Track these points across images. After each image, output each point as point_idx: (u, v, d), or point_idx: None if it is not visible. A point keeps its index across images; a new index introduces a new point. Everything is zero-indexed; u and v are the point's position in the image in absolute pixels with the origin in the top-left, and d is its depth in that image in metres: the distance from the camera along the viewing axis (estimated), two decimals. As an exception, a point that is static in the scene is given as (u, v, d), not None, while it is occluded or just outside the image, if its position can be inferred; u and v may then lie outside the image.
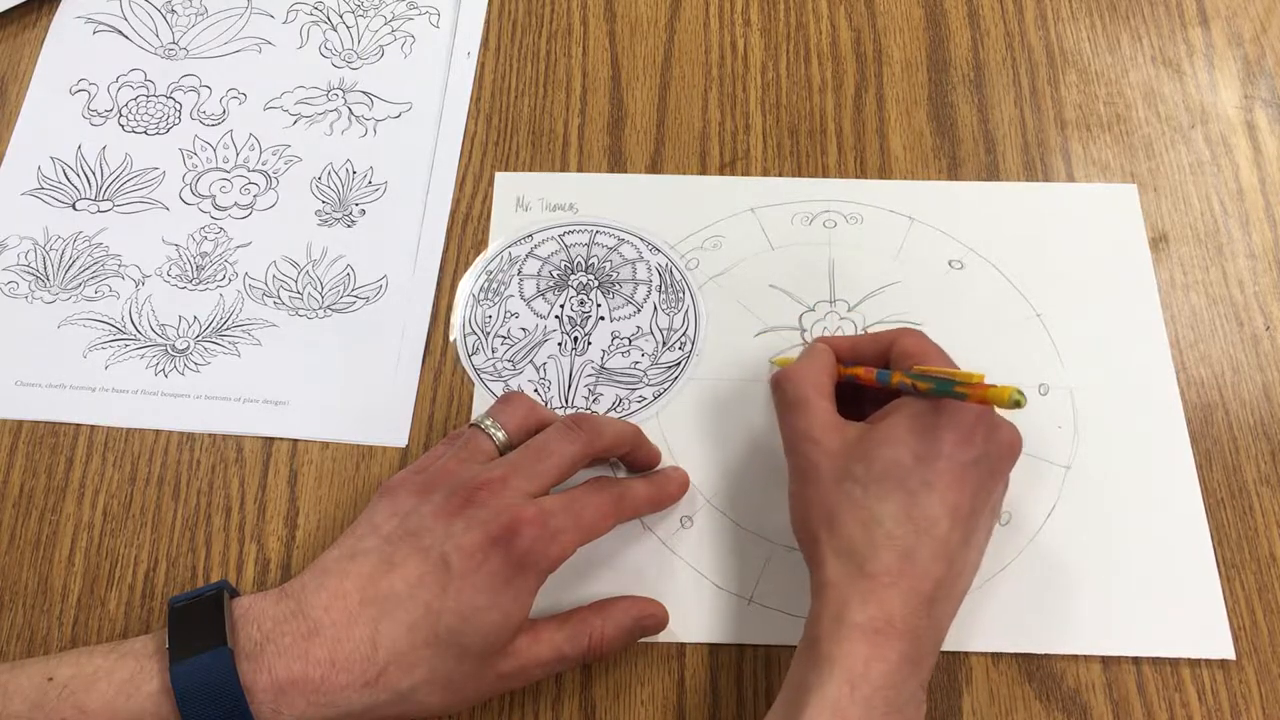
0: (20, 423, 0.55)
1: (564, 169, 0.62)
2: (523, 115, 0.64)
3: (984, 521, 0.46)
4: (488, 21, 0.67)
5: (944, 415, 0.44)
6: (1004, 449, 0.46)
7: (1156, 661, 0.49)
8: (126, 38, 0.67)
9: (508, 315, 0.58)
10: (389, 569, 0.43)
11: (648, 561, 0.51)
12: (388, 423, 0.55)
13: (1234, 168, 0.61)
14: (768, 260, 0.59)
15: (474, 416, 0.53)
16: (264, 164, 0.62)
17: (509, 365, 0.56)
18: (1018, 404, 0.42)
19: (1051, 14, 0.66)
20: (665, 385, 0.56)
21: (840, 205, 0.60)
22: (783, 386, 0.49)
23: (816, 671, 0.41)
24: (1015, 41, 0.65)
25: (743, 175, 0.61)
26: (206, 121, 0.64)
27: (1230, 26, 0.66)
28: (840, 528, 0.44)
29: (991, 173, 0.61)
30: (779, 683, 0.49)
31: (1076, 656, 0.49)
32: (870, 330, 0.56)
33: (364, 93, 0.65)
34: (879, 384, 0.48)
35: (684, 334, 0.57)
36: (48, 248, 0.60)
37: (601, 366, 0.56)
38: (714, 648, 0.50)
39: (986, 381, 0.43)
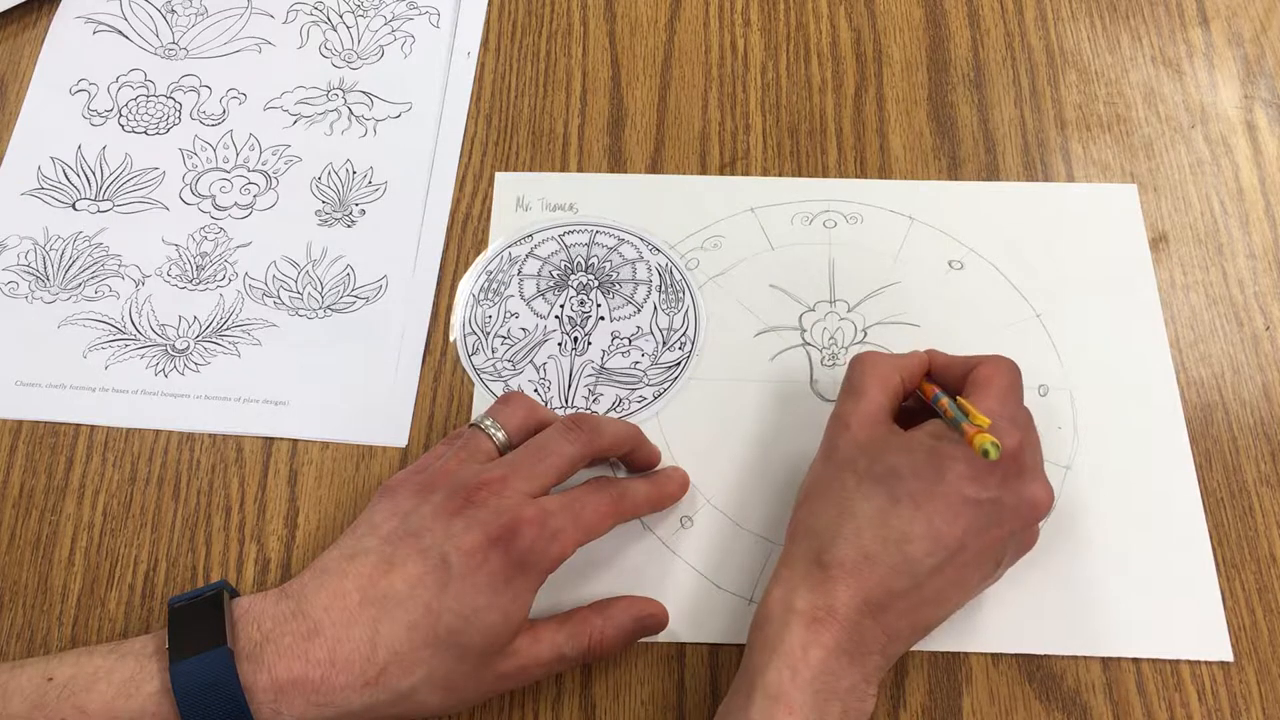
0: (20, 423, 0.55)
1: (564, 169, 0.62)
2: (523, 115, 0.64)
3: (973, 560, 0.44)
4: (488, 21, 0.67)
5: (965, 446, 0.44)
6: (1022, 502, 0.45)
7: (1156, 662, 0.49)
8: (126, 38, 0.67)
9: (508, 315, 0.58)
10: (389, 569, 0.43)
11: (648, 561, 0.51)
12: (388, 423, 0.55)
13: (1234, 168, 0.61)
14: (768, 260, 0.59)
15: (474, 416, 0.53)
16: (264, 164, 0.62)
17: (509, 365, 0.56)
18: (986, 454, 0.41)
19: (1051, 14, 0.66)
20: (665, 385, 0.56)
21: (840, 205, 0.60)
22: (853, 367, 0.49)
23: (760, 657, 0.42)
24: (1015, 41, 0.65)
25: (743, 175, 0.61)
26: (206, 121, 0.64)
27: (1230, 26, 0.66)
28: (819, 507, 0.45)
29: (991, 173, 0.61)
30: (779, 683, 0.49)
31: (1076, 656, 0.49)
32: (870, 330, 0.57)
33: (364, 93, 0.65)
34: (930, 401, 0.48)
35: (684, 334, 0.57)
36: (48, 248, 0.60)
37: (601, 366, 0.56)
38: (714, 648, 0.50)
39: (986, 429, 0.42)
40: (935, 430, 0.45)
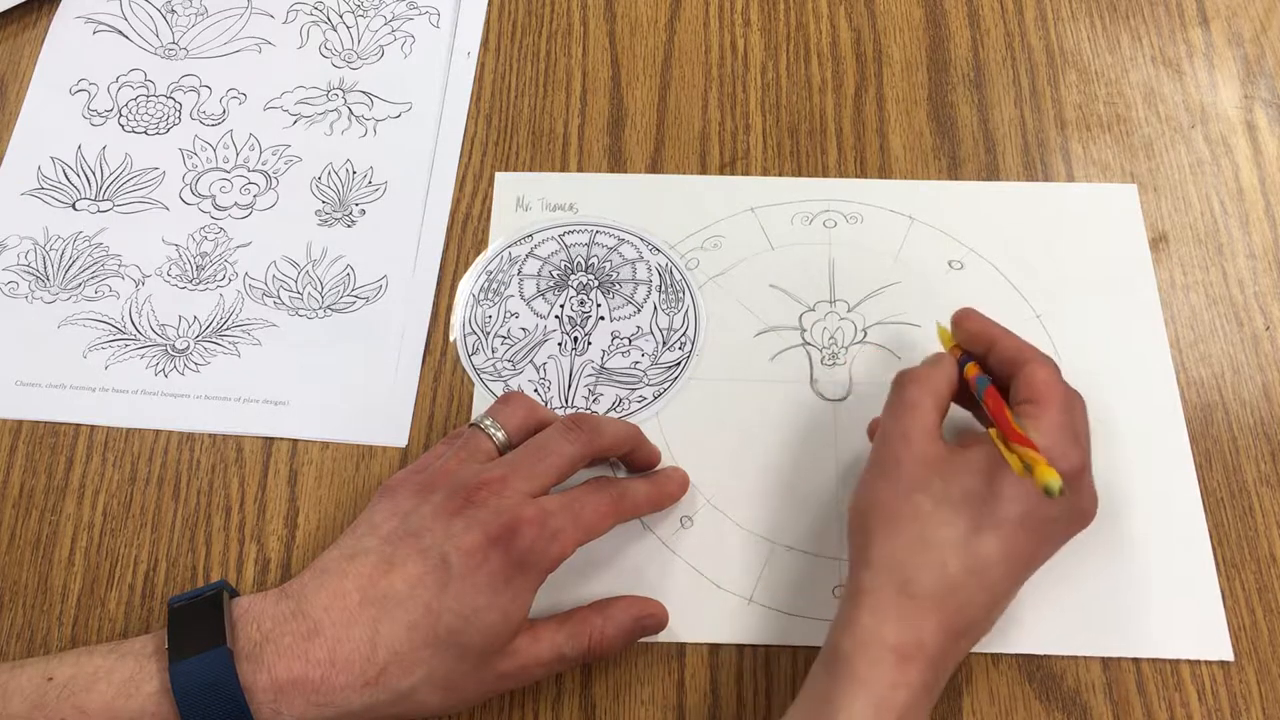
0: (20, 423, 0.55)
1: (564, 169, 0.62)
2: (523, 115, 0.64)
3: (1034, 570, 0.45)
4: (488, 21, 0.67)
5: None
6: (1078, 518, 0.45)
7: (1156, 661, 0.49)
8: (126, 38, 0.67)
9: (508, 315, 0.58)
10: (389, 569, 0.43)
11: (648, 561, 0.51)
12: (388, 423, 0.55)
13: (1234, 168, 0.61)
14: (768, 260, 0.59)
15: (474, 416, 0.53)
16: (264, 164, 0.62)
17: (509, 365, 0.56)
18: (1049, 491, 0.40)
19: (1051, 14, 0.66)
20: (665, 385, 0.56)
21: (840, 205, 0.60)
22: (905, 387, 0.47)
23: (844, 690, 0.40)
24: (1015, 41, 0.65)
25: (743, 175, 0.61)
26: (206, 121, 0.64)
27: (1230, 26, 0.66)
28: (897, 535, 0.43)
29: (991, 173, 0.61)
30: (779, 683, 0.49)
31: (1076, 656, 0.49)
32: (870, 330, 0.56)
33: (364, 93, 0.65)
34: (976, 392, 0.47)
35: (684, 334, 0.57)
36: (48, 248, 0.60)
37: (601, 366, 0.56)
38: (714, 648, 0.50)
39: (1043, 463, 0.41)
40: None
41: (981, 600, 0.43)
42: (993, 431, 0.44)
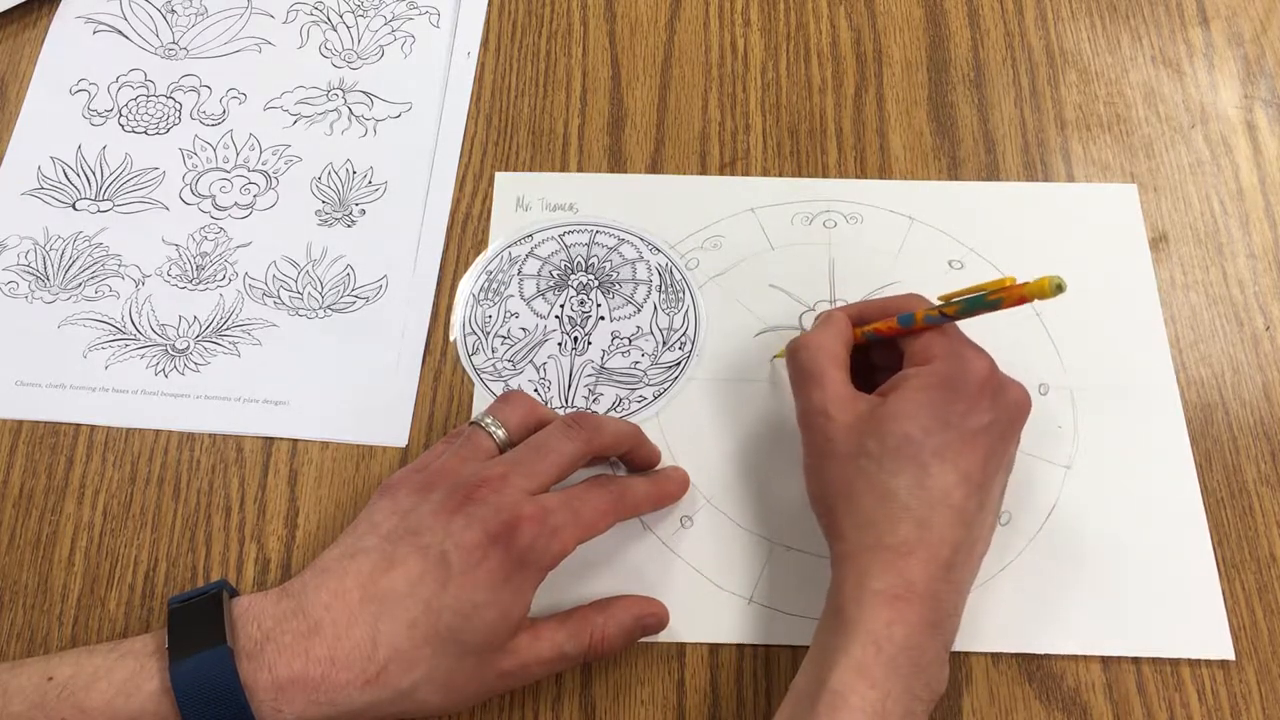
0: (20, 423, 0.55)
1: (564, 169, 0.62)
2: (523, 115, 0.64)
3: (999, 481, 0.46)
4: (488, 21, 0.67)
5: (951, 386, 0.45)
6: (1014, 410, 0.46)
7: (1156, 661, 0.49)
8: (126, 38, 0.67)
9: (508, 315, 0.58)
10: (389, 567, 0.43)
11: (648, 561, 0.51)
12: (388, 423, 0.55)
13: (1234, 168, 0.61)
14: (768, 260, 0.59)
15: (474, 415, 0.53)
16: (264, 164, 0.62)
17: (509, 365, 0.56)
18: (1060, 289, 0.42)
19: (1051, 14, 0.66)
20: (665, 385, 0.56)
21: (840, 205, 0.60)
22: (799, 356, 0.49)
23: (841, 636, 0.42)
24: (1015, 41, 0.65)
25: (743, 175, 0.61)
26: (206, 121, 0.64)
27: (1230, 26, 0.66)
28: (857, 503, 0.44)
29: (991, 173, 0.61)
30: (779, 683, 0.49)
31: (1076, 656, 0.49)
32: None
33: (364, 93, 0.65)
34: (903, 328, 0.48)
35: (684, 334, 0.57)
36: (48, 248, 0.60)
37: (601, 366, 0.56)
38: (714, 648, 0.50)
39: (1019, 281, 0.44)
40: (915, 383, 0.46)
41: (956, 526, 0.43)
42: (942, 298, 0.47)
